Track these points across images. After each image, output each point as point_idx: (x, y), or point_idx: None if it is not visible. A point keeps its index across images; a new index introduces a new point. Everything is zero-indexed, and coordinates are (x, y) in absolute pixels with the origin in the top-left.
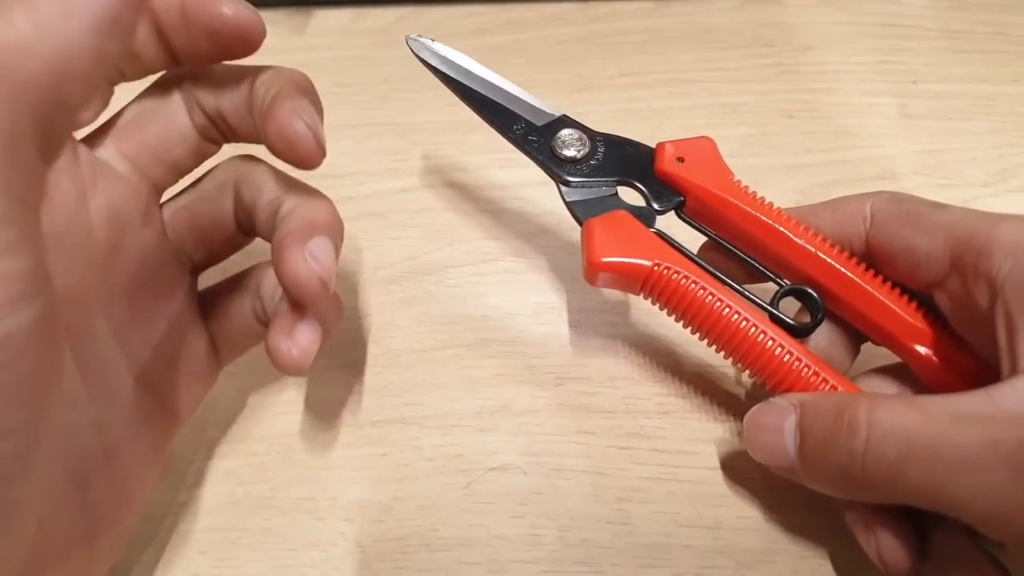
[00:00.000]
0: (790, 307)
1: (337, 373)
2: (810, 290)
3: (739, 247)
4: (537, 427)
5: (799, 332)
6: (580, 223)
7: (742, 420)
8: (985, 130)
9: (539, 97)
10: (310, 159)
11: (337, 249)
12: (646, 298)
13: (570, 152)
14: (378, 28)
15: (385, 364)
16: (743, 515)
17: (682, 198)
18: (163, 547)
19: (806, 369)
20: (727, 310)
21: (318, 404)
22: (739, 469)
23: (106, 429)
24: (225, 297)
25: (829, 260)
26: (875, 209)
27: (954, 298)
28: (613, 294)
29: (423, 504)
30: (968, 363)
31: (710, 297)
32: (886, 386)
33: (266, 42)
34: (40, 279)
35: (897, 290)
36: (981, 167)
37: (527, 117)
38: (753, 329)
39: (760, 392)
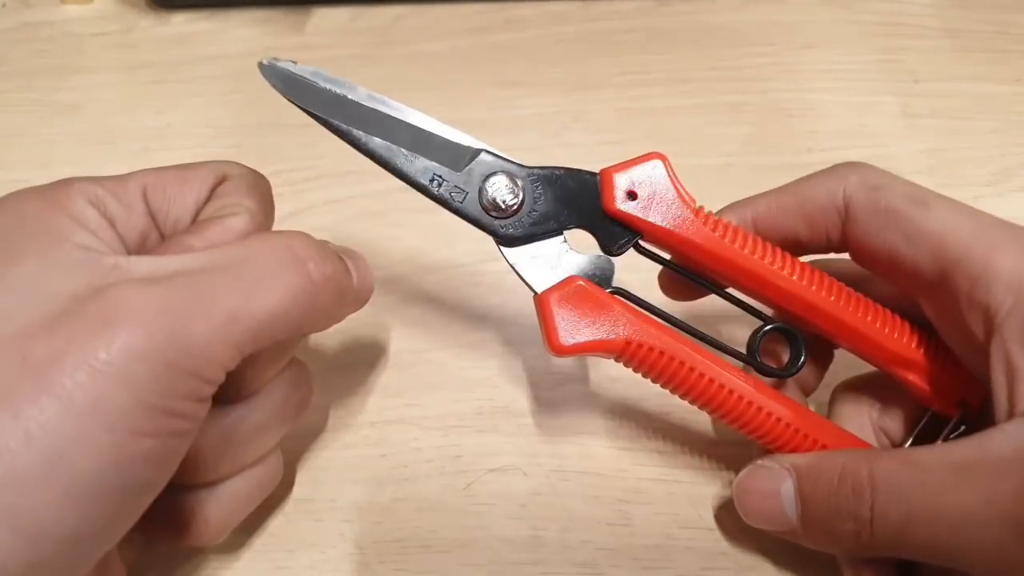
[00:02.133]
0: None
1: (336, 374)
2: (791, 330)
3: (708, 279)
4: (537, 428)
5: (782, 374)
6: (532, 291)
7: None
8: (987, 130)
9: (446, 124)
10: None
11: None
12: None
13: (505, 203)
14: (377, 27)
15: (384, 365)
16: None
17: (639, 235)
18: (162, 549)
19: (793, 427)
20: (703, 376)
21: (317, 405)
22: (740, 470)
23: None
24: None
25: (808, 298)
26: (849, 201)
27: (942, 311)
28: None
29: (422, 505)
30: (959, 384)
31: (683, 364)
32: (867, 406)
33: (265, 41)
34: None
35: (882, 318)
36: (983, 167)
37: (441, 164)
38: (733, 392)
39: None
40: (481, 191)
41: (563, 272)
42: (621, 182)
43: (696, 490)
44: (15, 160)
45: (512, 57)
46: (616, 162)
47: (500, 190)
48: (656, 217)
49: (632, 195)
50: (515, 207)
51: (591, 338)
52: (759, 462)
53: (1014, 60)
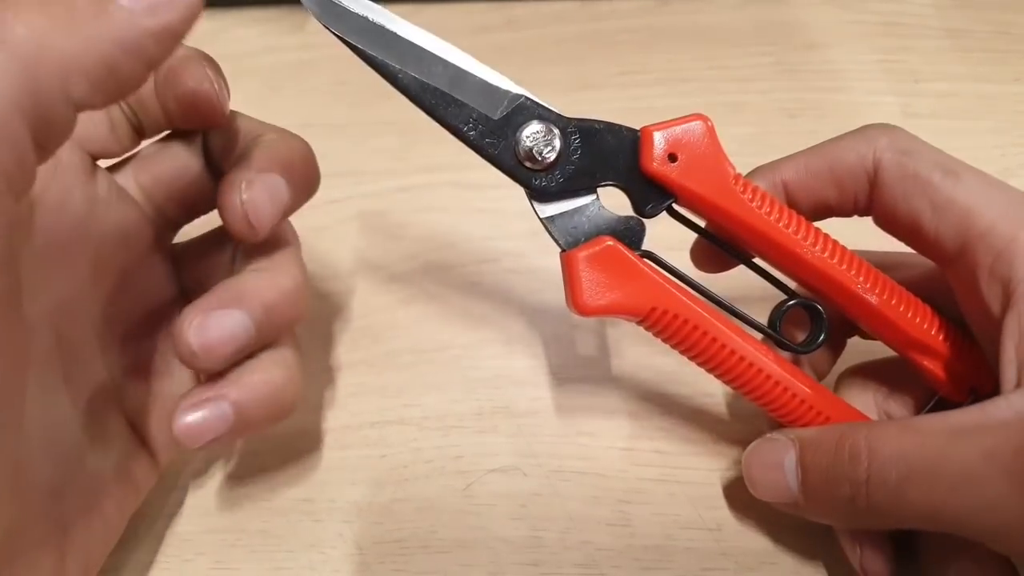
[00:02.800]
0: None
1: (336, 374)
2: (818, 307)
3: (738, 249)
4: (537, 428)
5: (800, 350)
6: (560, 247)
7: (744, 420)
8: (988, 129)
9: (490, 68)
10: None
11: (290, 191)
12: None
13: (540, 154)
14: None
15: (384, 365)
16: (744, 517)
17: (673, 198)
18: (162, 549)
19: (807, 404)
20: (724, 347)
21: (316, 405)
22: (740, 470)
23: (85, 447)
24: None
25: (834, 275)
26: (879, 165)
27: (960, 282)
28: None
29: (422, 506)
30: (973, 372)
31: (705, 334)
32: (872, 391)
33: (264, 40)
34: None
35: (905, 302)
36: (983, 167)
37: (479, 107)
38: (752, 365)
39: (754, 409)
40: (517, 141)
41: (593, 230)
42: (662, 141)
43: (696, 491)
44: None
45: (512, 57)
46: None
47: (537, 141)
48: (694, 181)
49: (672, 156)
50: (551, 160)
51: (616, 300)
52: (767, 435)
53: (1015, 60)
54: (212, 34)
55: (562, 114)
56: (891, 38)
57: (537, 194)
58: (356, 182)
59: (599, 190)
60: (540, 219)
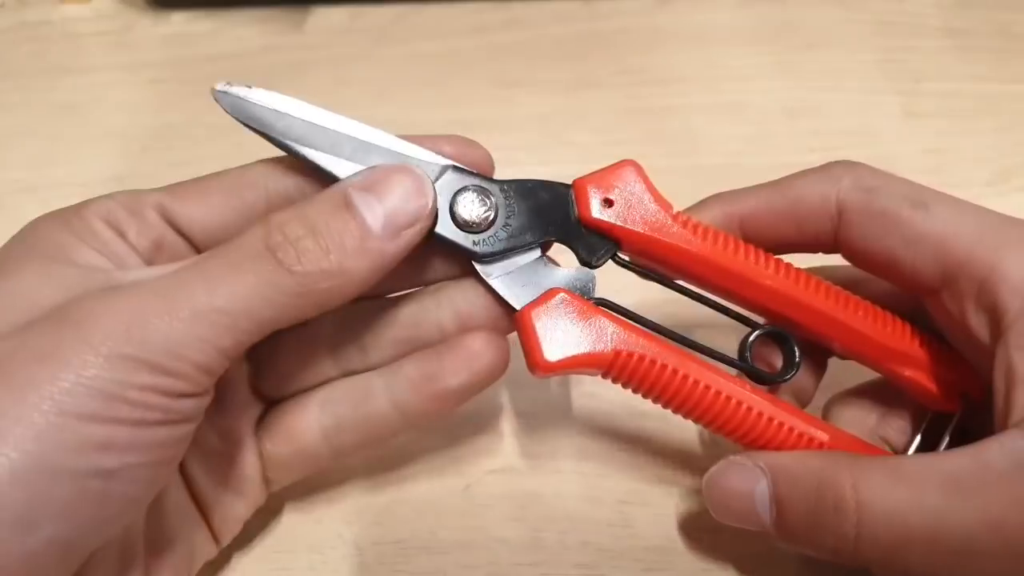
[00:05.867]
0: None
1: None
2: (783, 332)
3: (692, 288)
4: (537, 429)
5: (776, 380)
6: (511, 310)
7: None
8: (988, 129)
9: (401, 139)
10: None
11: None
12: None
13: (478, 217)
14: (377, 26)
15: None
16: None
17: (617, 245)
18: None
19: (785, 430)
20: (697, 383)
21: None
22: None
23: (153, 528)
24: (290, 413)
25: (798, 297)
26: (843, 206)
27: (945, 313)
28: (610, 296)
29: (422, 507)
30: (959, 377)
31: (675, 372)
32: (864, 414)
33: (264, 40)
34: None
35: (874, 315)
36: (984, 166)
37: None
38: (731, 399)
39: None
40: (452, 209)
41: (543, 286)
42: (595, 191)
43: (696, 491)
44: (13, 160)
45: (512, 56)
46: (605, 164)
47: (472, 205)
48: (634, 223)
49: (608, 202)
50: (489, 220)
51: (577, 351)
52: (732, 458)
53: (1015, 60)
54: (211, 33)
55: (492, 178)
56: (891, 38)
57: (480, 257)
58: None
59: (543, 249)
60: (485, 282)
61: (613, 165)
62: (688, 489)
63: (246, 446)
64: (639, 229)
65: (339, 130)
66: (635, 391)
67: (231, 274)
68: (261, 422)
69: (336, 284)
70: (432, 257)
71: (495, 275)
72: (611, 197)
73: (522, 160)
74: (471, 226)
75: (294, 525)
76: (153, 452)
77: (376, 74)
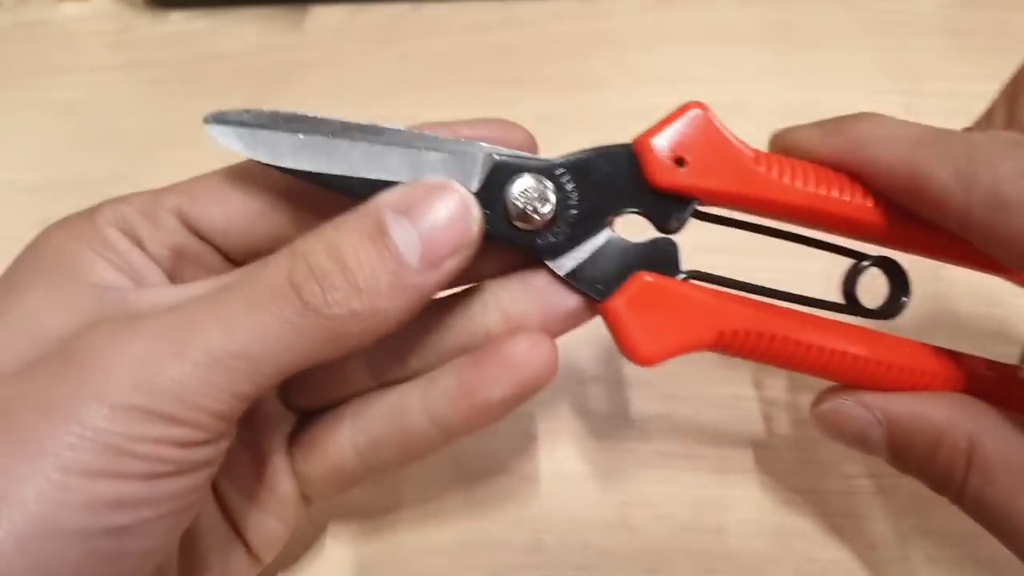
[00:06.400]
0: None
1: None
2: (893, 261)
3: (785, 227)
4: (537, 429)
5: (883, 316)
6: (595, 299)
7: (746, 422)
8: None
9: (440, 130)
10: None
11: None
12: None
13: (536, 212)
14: (376, 25)
15: None
16: (745, 519)
17: (695, 202)
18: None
19: (896, 372)
20: (802, 346)
21: None
22: (741, 472)
23: (187, 551)
24: (321, 430)
25: (904, 228)
26: (999, 195)
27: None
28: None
29: (423, 509)
30: None
31: (786, 339)
32: None
33: (263, 39)
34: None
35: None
36: None
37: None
38: (847, 355)
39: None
40: (505, 205)
41: (623, 269)
42: (662, 149)
43: (698, 492)
44: (12, 159)
45: (512, 56)
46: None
47: (528, 198)
48: (713, 179)
49: (679, 160)
50: (548, 210)
51: (676, 340)
52: (843, 400)
53: (1015, 60)
54: (211, 33)
55: (542, 158)
56: (893, 37)
57: (547, 252)
58: None
59: (614, 224)
60: (560, 279)
61: (675, 112)
62: (688, 491)
63: (278, 464)
64: (720, 186)
65: (347, 137)
66: (745, 358)
67: (250, 315)
68: (293, 437)
69: (368, 326)
70: (481, 255)
71: (567, 267)
72: (681, 154)
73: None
74: (529, 219)
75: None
76: (169, 504)
77: (375, 74)
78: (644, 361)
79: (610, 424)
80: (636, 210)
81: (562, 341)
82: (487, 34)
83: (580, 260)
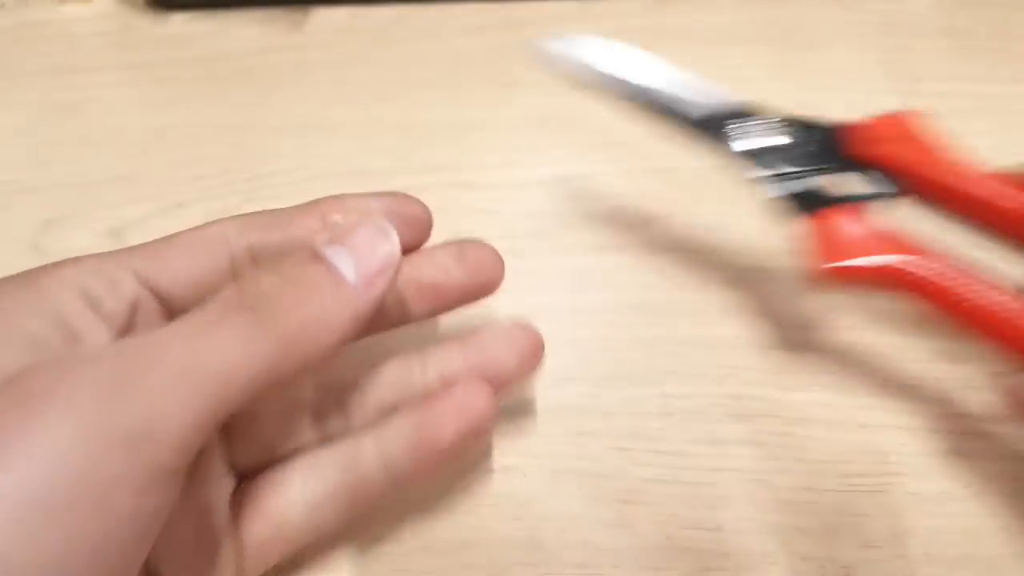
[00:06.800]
0: None
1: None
2: None
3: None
4: (537, 428)
5: None
6: (798, 215)
7: (743, 421)
8: (988, 129)
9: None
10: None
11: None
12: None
13: (765, 142)
14: (377, 26)
15: None
16: (744, 517)
17: (896, 187)
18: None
19: None
20: (986, 308)
21: None
22: (740, 471)
23: None
24: (270, 485)
25: None
26: None
27: None
28: (610, 296)
29: (422, 507)
30: None
31: (968, 292)
32: None
33: (264, 40)
34: None
35: None
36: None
37: (703, 103)
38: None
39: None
40: (744, 132)
41: (831, 201)
42: (878, 129)
43: (696, 491)
44: (12, 160)
45: (512, 56)
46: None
47: (760, 132)
48: (915, 164)
49: (888, 141)
50: (778, 146)
51: (862, 263)
52: None
53: (1016, 60)
54: (211, 34)
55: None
56: (891, 37)
57: (770, 176)
58: (356, 182)
59: (821, 180)
60: (771, 199)
61: (894, 113)
62: (688, 489)
63: (219, 529)
64: (923, 172)
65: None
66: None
67: (209, 331)
68: (236, 499)
69: (317, 334)
70: (414, 299)
71: (775, 189)
72: (888, 135)
73: (522, 160)
74: (763, 150)
75: None
76: (129, 534)
77: (376, 74)
78: (827, 271)
79: (609, 422)
80: (844, 174)
81: (565, 339)
82: (487, 35)
83: (795, 189)
